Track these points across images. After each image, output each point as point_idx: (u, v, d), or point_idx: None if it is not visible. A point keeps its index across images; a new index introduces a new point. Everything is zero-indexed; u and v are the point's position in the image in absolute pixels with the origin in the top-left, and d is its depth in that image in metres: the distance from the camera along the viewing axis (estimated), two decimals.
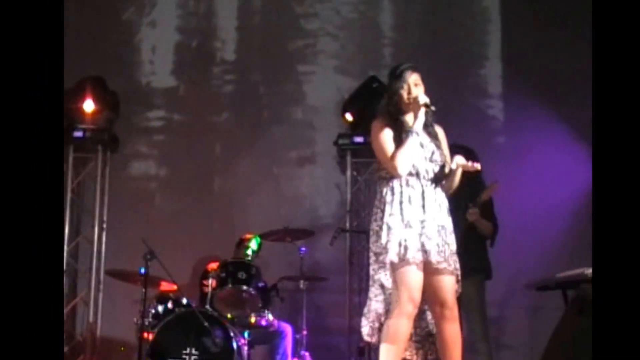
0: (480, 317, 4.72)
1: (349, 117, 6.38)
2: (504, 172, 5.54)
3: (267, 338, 5.47)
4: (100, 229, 6.39)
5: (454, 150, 4.82)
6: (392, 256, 3.43)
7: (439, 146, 3.64)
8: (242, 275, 5.13)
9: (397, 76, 3.65)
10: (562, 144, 6.14)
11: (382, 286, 3.54)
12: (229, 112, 6.79)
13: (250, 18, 6.90)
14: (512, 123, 6.50)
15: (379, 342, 3.53)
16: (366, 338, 3.64)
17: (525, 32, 6.52)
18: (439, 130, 3.73)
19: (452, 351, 3.50)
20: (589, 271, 3.86)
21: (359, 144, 6.37)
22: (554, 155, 6.05)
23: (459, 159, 3.59)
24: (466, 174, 3.70)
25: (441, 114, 3.76)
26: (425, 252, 3.41)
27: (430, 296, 3.51)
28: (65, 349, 6.16)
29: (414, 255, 3.40)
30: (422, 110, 3.57)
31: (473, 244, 4.66)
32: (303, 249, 5.43)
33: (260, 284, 5.24)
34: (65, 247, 6.25)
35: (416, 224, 3.45)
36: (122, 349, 5.70)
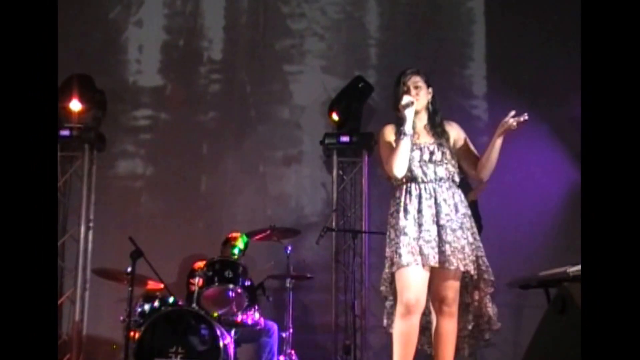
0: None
1: (335, 116, 6.43)
2: None
3: (253, 336, 5.48)
4: (87, 228, 6.38)
5: None
6: (390, 269, 3.53)
7: (442, 145, 3.64)
8: (228, 273, 5.12)
9: (398, 81, 3.69)
10: (546, 144, 6.20)
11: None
12: (216, 111, 6.78)
13: (237, 17, 6.90)
14: (496, 123, 6.51)
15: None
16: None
17: (510, 33, 6.58)
18: (452, 129, 3.72)
19: (445, 346, 3.55)
20: (571, 270, 3.90)
21: (345, 143, 6.42)
22: (538, 156, 6.10)
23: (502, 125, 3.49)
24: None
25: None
26: (424, 255, 3.45)
27: (432, 292, 3.56)
28: None
29: (408, 260, 3.44)
30: (409, 111, 3.57)
31: None
32: (289, 247, 5.45)
33: (247, 283, 5.23)
34: None
35: (412, 229, 3.49)
36: (114, 347, 5.72)
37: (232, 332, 5.12)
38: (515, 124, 3.51)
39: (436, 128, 3.68)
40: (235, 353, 5.06)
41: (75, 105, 6.22)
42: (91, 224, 6.41)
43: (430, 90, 3.71)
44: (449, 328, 3.55)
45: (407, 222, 3.50)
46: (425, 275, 3.48)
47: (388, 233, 3.58)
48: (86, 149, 6.42)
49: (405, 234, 3.48)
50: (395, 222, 3.54)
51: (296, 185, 6.66)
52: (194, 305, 5.07)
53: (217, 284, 5.12)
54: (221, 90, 6.82)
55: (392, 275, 3.52)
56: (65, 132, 6.23)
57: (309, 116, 6.68)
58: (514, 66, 6.48)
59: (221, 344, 4.86)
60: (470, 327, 3.66)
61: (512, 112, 3.52)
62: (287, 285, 5.40)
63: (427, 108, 3.70)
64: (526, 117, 3.48)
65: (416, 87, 3.66)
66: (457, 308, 3.57)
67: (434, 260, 3.44)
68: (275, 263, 5.78)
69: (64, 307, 6.27)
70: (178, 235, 6.33)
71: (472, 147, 3.74)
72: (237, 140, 6.68)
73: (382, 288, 3.61)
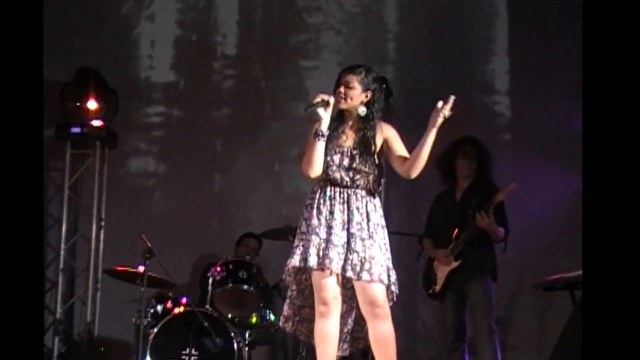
0: (486, 318, 4.62)
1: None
2: (511, 169, 5.44)
3: (268, 338, 5.43)
4: (99, 227, 6.30)
5: (463, 145, 4.69)
6: (294, 261, 3.47)
7: (366, 152, 3.48)
8: (242, 274, 5.09)
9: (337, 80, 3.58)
10: (575, 140, 6.02)
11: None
12: (230, 107, 6.69)
13: (251, 12, 6.79)
14: (519, 119, 6.40)
15: (294, 331, 3.64)
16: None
17: (534, 26, 6.42)
18: (383, 130, 3.53)
19: (383, 350, 3.43)
20: None
21: None
22: (565, 152, 5.93)
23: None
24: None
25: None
26: (328, 258, 3.37)
27: (359, 296, 3.45)
28: (63, 348, 6.10)
29: (313, 262, 3.39)
30: (322, 111, 3.45)
31: (480, 244, 4.57)
32: None
33: (261, 283, 5.19)
34: (63, 246, 6.19)
35: (322, 230, 3.44)
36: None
37: (247, 334, 5.07)
38: (447, 112, 3.29)
39: (364, 132, 3.51)
40: (249, 355, 5.03)
41: (92, 104, 6.15)
42: (103, 223, 6.32)
43: (368, 93, 3.50)
44: (385, 330, 3.41)
45: (318, 222, 3.46)
46: (337, 274, 3.42)
47: (300, 224, 3.53)
48: (97, 146, 6.33)
49: (316, 233, 3.43)
50: (308, 217, 3.50)
51: (312, 184, 6.53)
52: (207, 306, 5.02)
53: (231, 284, 5.08)
54: (235, 86, 6.72)
55: (298, 269, 3.47)
56: (76, 130, 6.17)
57: None
58: (537, 61, 6.32)
59: (235, 346, 4.84)
60: (346, 329, 3.59)
61: (449, 100, 3.29)
62: None
63: (360, 111, 3.50)
64: (453, 98, 3.27)
65: (348, 87, 3.49)
66: (389, 309, 3.44)
67: (336, 266, 3.37)
68: None
69: (75, 308, 6.22)
70: (191, 234, 6.27)
71: (402, 146, 3.56)
72: (251, 137, 6.59)
73: (284, 276, 3.55)
